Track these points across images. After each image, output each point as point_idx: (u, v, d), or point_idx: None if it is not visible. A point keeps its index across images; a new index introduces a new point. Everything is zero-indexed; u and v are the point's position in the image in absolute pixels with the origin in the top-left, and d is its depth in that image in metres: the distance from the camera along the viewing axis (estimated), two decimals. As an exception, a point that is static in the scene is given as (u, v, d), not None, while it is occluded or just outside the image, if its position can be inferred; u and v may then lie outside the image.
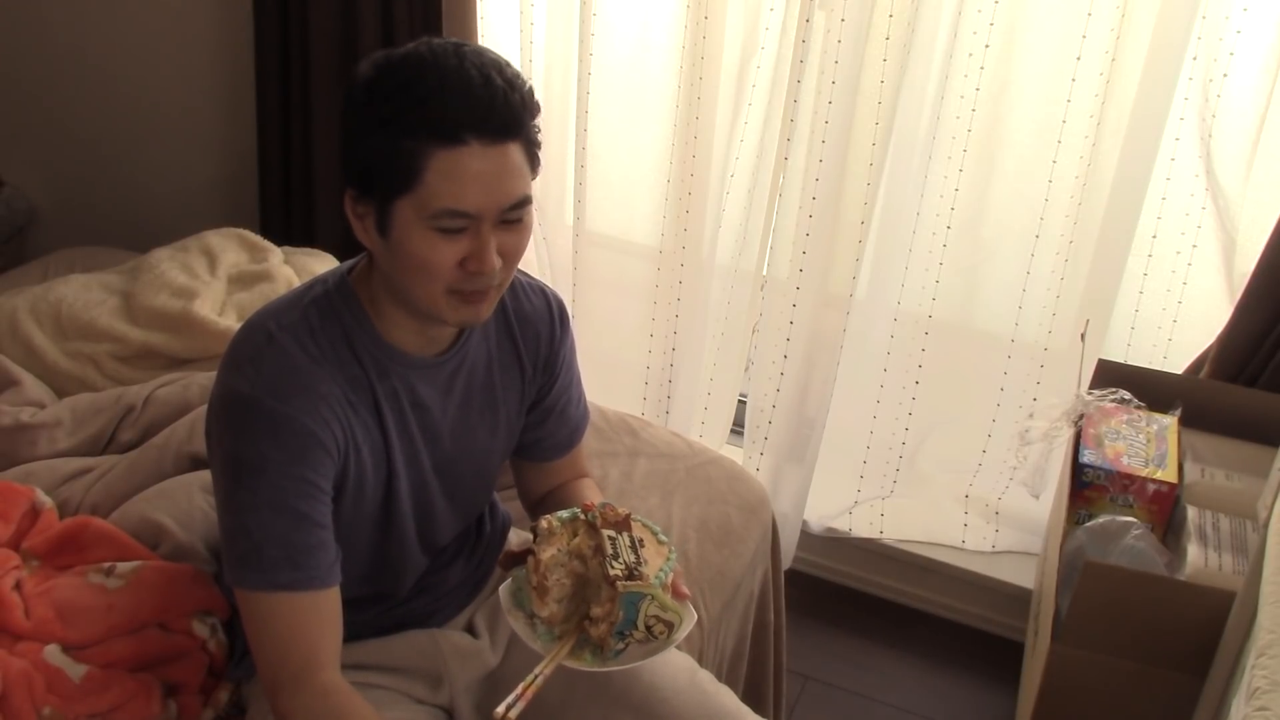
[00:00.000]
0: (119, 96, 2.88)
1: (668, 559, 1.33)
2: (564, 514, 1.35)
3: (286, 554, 1.25)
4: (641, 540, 1.33)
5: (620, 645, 1.30)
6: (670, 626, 1.30)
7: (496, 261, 1.25)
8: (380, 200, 1.23)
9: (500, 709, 1.22)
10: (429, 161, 1.19)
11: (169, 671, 1.53)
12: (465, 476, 1.47)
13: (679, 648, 1.57)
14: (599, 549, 1.30)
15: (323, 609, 1.29)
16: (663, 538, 1.36)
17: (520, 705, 1.23)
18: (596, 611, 1.29)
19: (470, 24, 2.38)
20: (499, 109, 1.20)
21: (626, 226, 2.50)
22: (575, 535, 1.33)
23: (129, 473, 1.82)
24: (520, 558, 1.35)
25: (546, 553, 1.30)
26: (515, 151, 1.23)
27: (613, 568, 1.27)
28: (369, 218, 1.25)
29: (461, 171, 1.20)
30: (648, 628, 1.29)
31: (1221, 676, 1.63)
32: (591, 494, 1.56)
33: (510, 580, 1.36)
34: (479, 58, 1.21)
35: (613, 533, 1.31)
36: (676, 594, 1.32)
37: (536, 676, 1.27)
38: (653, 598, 1.28)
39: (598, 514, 1.33)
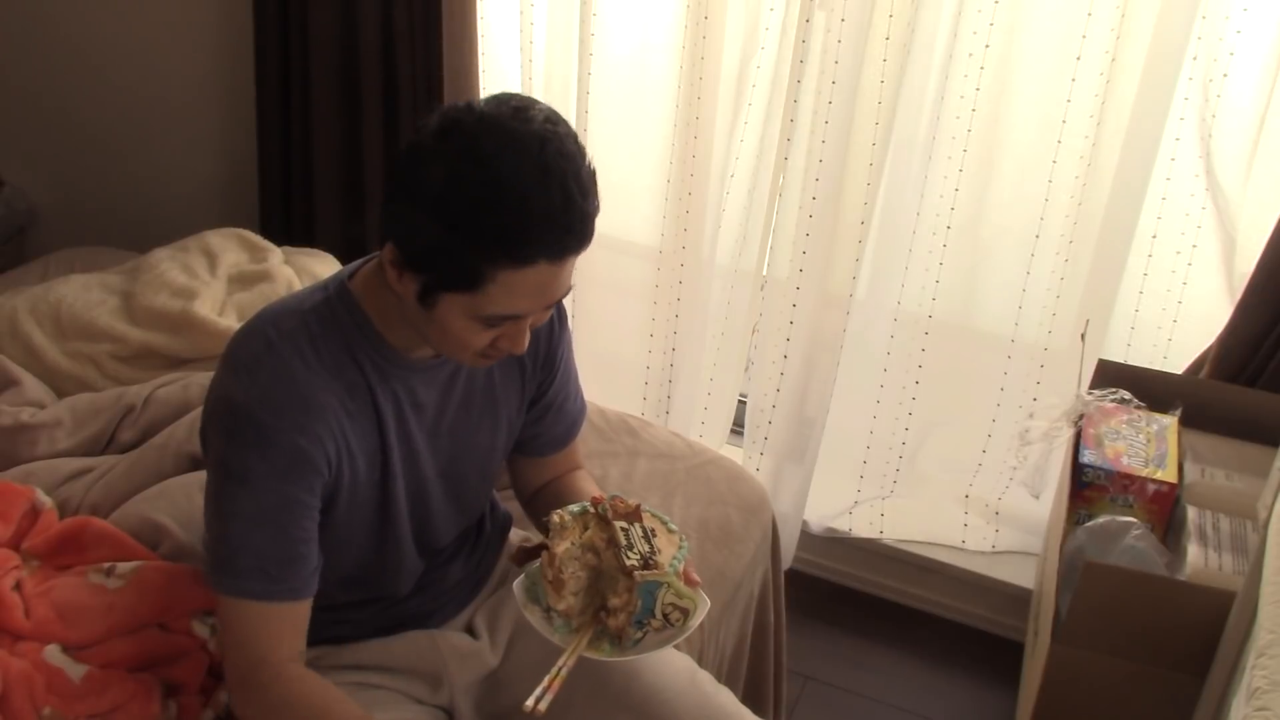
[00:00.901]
0: (119, 96, 2.88)
1: (680, 547, 1.35)
2: (574, 508, 1.37)
3: (260, 565, 1.26)
4: (653, 530, 1.35)
5: (639, 634, 1.31)
6: (686, 613, 1.32)
7: (528, 340, 1.28)
8: (429, 283, 1.22)
9: (530, 702, 1.24)
10: (495, 274, 1.19)
11: (169, 671, 1.53)
12: (467, 476, 1.47)
13: (679, 648, 1.57)
14: (612, 541, 1.31)
15: (290, 618, 1.30)
16: (672, 527, 1.38)
17: (549, 697, 1.25)
18: (614, 602, 1.30)
19: (470, 24, 2.38)
20: (575, 234, 1.20)
21: (626, 226, 2.50)
22: (587, 528, 1.35)
23: (129, 473, 1.82)
24: (534, 553, 1.36)
25: (561, 546, 1.32)
26: (574, 258, 1.23)
27: (628, 558, 1.29)
28: (410, 283, 1.24)
29: (524, 286, 1.20)
30: (665, 615, 1.31)
31: (1221, 676, 1.63)
32: (588, 486, 1.57)
33: (524, 576, 1.38)
34: (559, 161, 1.17)
35: (625, 524, 1.33)
36: (689, 581, 1.34)
37: (561, 669, 1.28)
38: (669, 586, 1.30)
39: (608, 506, 1.35)
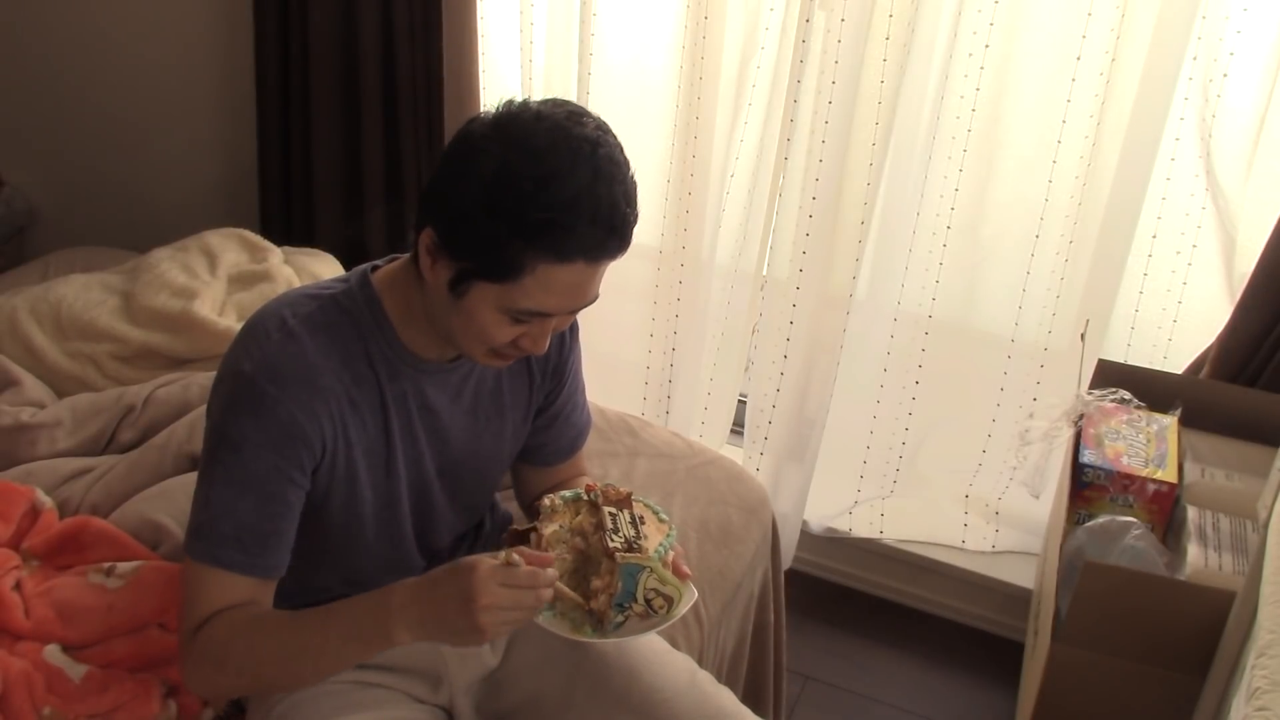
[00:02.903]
0: (119, 96, 2.88)
1: (667, 535, 1.36)
2: (567, 494, 1.39)
3: (237, 535, 1.26)
4: (642, 518, 1.36)
5: (620, 618, 1.32)
6: (670, 601, 1.33)
7: (549, 342, 1.29)
8: (465, 270, 1.23)
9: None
10: (534, 267, 1.19)
11: (169, 671, 1.53)
12: (469, 480, 1.47)
13: (679, 647, 1.57)
14: (600, 525, 1.33)
15: (251, 595, 1.29)
16: (663, 516, 1.39)
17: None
18: (596, 583, 1.31)
19: (470, 24, 2.38)
20: (615, 239, 1.21)
21: (626, 226, 2.49)
22: (578, 514, 1.36)
23: (129, 473, 1.82)
24: (524, 536, 1.37)
25: (548, 529, 1.33)
26: (609, 261, 1.25)
27: (612, 540, 1.30)
28: (444, 270, 1.24)
29: (559, 283, 1.21)
30: (647, 601, 1.32)
31: (1221, 676, 1.63)
32: None
33: None
34: (609, 166, 1.19)
35: (613, 509, 1.35)
36: (678, 573, 1.34)
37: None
38: (651, 570, 1.30)
39: (600, 493, 1.36)
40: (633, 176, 1.23)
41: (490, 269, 1.21)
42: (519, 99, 1.23)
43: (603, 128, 1.23)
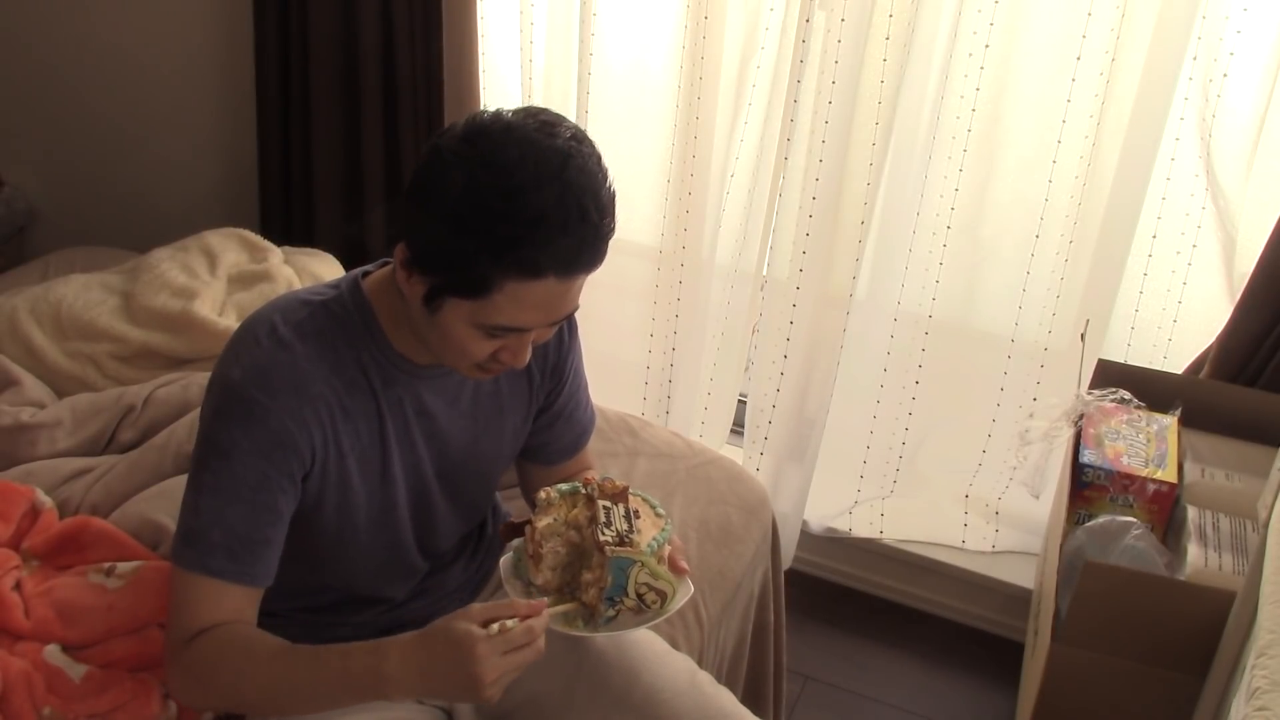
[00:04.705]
0: (119, 96, 2.88)
1: (662, 530, 1.35)
2: (564, 487, 1.38)
3: (227, 543, 1.26)
4: (637, 512, 1.35)
5: (611, 612, 1.32)
6: (664, 596, 1.32)
7: (529, 355, 1.28)
8: (436, 286, 1.22)
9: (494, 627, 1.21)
10: (502, 284, 1.18)
11: (169, 672, 1.53)
12: (469, 482, 1.47)
13: (678, 647, 1.57)
14: (594, 519, 1.32)
15: (240, 601, 1.29)
16: (660, 511, 1.39)
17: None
18: (587, 576, 1.31)
19: (470, 24, 2.38)
20: (587, 253, 1.19)
21: (626, 227, 2.46)
22: (574, 507, 1.36)
23: (129, 473, 1.82)
24: (520, 529, 1.37)
25: (543, 521, 1.33)
26: (584, 276, 1.23)
27: (603, 534, 1.30)
28: (418, 285, 1.23)
29: (531, 299, 1.20)
30: (639, 595, 1.31)
31: (1221, 676, 1.63)
32: None
33: (511, 553, 1.39)
34: (580, 178, 1.17)
35: (608, 503, 1.34)
36: (675, 569, 1.34)
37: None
38: (643, 565, 1.30)
39: (596, 486, 1.36)
40: (610, 187, 1.21)
41: (460, 285, 1.19)
42: (490, 109, 1.21)
43: (578, 137, 1.20)
